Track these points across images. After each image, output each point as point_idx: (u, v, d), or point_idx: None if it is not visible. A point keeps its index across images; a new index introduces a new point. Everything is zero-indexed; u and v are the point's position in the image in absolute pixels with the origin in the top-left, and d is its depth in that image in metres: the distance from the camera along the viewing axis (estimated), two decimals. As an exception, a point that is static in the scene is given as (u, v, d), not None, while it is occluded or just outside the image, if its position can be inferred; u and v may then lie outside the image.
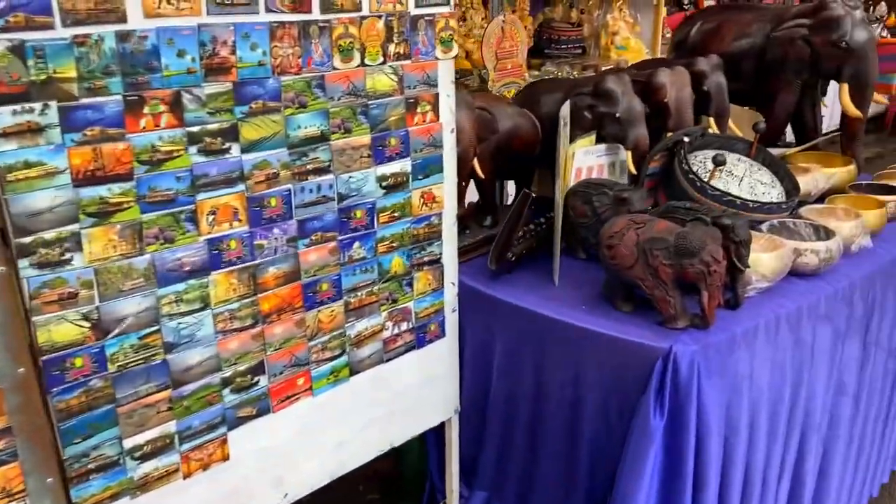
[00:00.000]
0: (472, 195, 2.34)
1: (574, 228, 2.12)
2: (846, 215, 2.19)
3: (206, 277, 1.51)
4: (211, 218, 1.49)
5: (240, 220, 1.54)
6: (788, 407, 1.91)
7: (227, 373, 1.60)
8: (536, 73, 5.27)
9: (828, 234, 2.03)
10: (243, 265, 1.57)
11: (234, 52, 1.44)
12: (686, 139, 2.21)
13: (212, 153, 1.46)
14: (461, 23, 5.15)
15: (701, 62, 2.51)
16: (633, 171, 2.25)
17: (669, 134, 2.27)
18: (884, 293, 2.15)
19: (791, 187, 2.22)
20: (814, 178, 2.37)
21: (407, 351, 1.97)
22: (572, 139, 2.22)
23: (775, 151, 2.62)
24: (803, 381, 1.93)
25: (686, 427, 1.68)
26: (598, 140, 2.29)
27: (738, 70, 2.73)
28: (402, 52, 1.72)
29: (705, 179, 2.09)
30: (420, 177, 1.86)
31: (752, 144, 2.31)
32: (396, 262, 1.87)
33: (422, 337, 1.99)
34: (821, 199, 2.40)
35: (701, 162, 2.20)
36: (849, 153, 2.67)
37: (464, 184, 2.07)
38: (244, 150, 1.51)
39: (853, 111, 2.54)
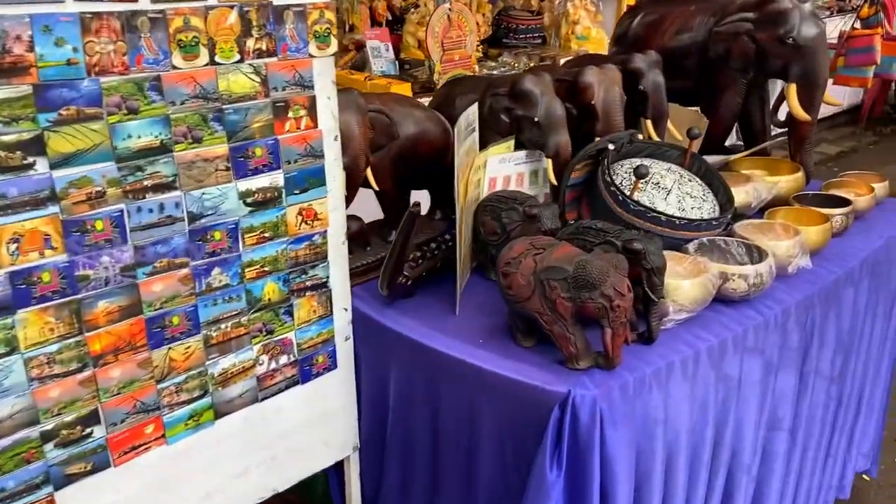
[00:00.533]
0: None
1: (484, 246, 1.90)
2: (784, 232, 1.99)
3: (10, 317, 1.27)
4: (13, 247, 1.25)
5: (54, 248, 1.30)
6: (711, 448, 1.72)
7: (49, 425, 1.37)
8: (493, 63, 5.04)
9: (761, 254, 1.83)
10: (62, 300, 1.33)
11: (31, 49, 1.20)
12: (611, 146, 1.99)
13: (9, 170, 1.22)
14: (414, 10, 4.91)
15: (637, 59, 2.29)
16: (554, 181, 2.04)
17: (598, 139, 2.05)
18: (824, 317, 1.95)
19: (725, 201, 2.01)
20: (755, 188, 2.17)
21: (289, 387, 1.74)
22: (484, 145, 2.00)
23: (716, 158, 2.42)
24: (729, 420, 1.73)
25: (589, 480, 1.47)
26: (518, 146, 2.08)
27: (681, 67, 2.52)
28: (264, 48, 1.49)
29: (628, 192, 1.88)
30: (296, 191, 1.63)
31: (685, 152, 2.10)
32: (270, 289, 1.64)
33: (307, 370, 1.77)
34: (763, 210, 2.20)
35: (627, 172, 1.99)
36: (797, 159, 2.47)
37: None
38: (55, 166, 1.27)
39: (801, 114, 2.33)
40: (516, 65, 5.05)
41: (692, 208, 1.93)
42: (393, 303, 1.81)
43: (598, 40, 5.48)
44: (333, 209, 1.72)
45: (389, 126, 1.89)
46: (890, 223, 2.31)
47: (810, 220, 2.10)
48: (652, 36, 2.59)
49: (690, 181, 2.01)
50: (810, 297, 1.88)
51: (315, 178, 1.65)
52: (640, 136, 2.11)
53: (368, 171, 1.83)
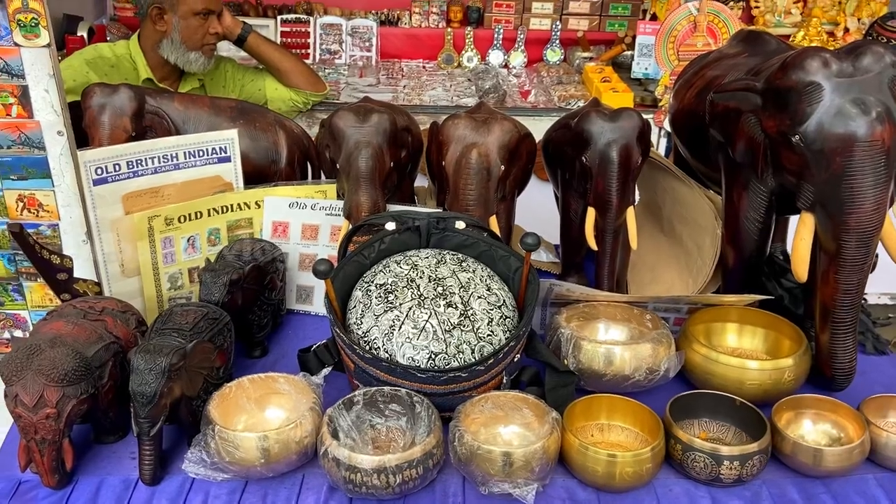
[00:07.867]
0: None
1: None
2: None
3: None
4: None
5: None
6: None
7: None
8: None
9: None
10: None
11: None
12: (391, 225, 1.45)
13: None
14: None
15: (589, 117, 1.56)
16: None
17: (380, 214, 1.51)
18: None
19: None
20: (614, 353, 1.35)
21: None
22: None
23: (730, 297, 1.56)
24: None
25: None
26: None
27: (700, 143, 1.64)
28: (-43, 31, 1.49)
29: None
30: (12, 177, 1.62)
31: (524, 264, 1.40)
32: (-8, 266, 1.70)
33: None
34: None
35: (388, 271, 1.41)
36: (822, 339, 1.40)
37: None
38: None
39: (800, 269, 1.31)
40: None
41: (434, 349, 1.29)
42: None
43: None
44: (66, 205, 1.67)
45: (168, 132, 1.70)
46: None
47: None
48: (683, 89, 1.71)
49: (465, 315, 1.33)
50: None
51: (34, 169, 1.62)
52: (462, 225, 1.46)
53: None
